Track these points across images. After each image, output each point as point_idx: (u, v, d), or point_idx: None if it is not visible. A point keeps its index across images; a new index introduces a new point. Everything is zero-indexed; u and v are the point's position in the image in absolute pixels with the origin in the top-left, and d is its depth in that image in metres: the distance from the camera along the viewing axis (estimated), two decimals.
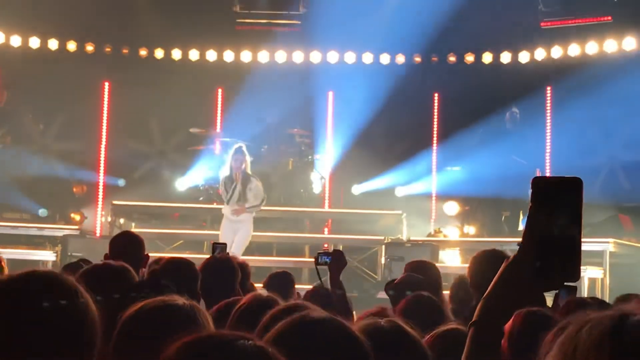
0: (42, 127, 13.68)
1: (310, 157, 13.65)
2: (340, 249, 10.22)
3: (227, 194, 11.29)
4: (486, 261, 4.52)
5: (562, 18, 13.82)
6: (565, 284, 1.54)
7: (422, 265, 5.39)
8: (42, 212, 12.95)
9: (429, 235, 12.96)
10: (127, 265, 3.26)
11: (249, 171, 11.36)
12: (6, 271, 5.39)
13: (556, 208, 1.52)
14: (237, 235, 11.08)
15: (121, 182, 13.75)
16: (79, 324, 1.81)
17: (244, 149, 11.47)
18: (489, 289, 1.61)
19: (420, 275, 4.90)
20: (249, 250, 11.38)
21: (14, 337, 1.74)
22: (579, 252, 1.53)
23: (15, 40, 14.07)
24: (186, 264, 4.16)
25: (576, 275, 1.53)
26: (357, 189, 14.15)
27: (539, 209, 1.53)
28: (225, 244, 6.15)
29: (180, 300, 2.25)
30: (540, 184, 1.55)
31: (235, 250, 10.77)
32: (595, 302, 3.21)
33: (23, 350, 1.74)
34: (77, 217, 13.09)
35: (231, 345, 1.42)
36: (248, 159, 11.40)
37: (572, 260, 1.52)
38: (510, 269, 1.57)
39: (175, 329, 1.53)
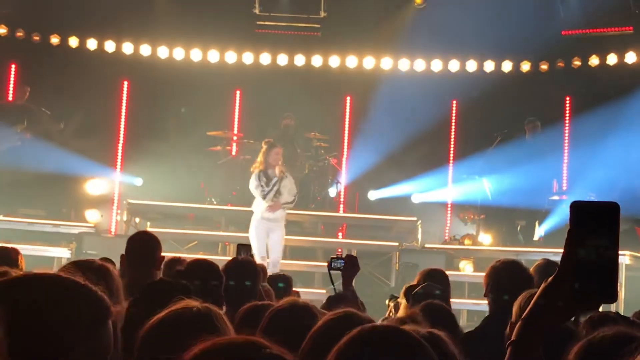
0: (62, 126, 13.73)
1: (326, 161, 13.66)
2: (354, 254, 10.19)
3: (263, 190, 10.91)
4: (503, 271, 4.50)
5: (583, 28, 13.78)
6: None
7: (436, 273, 5.38)
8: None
9: (444, 242, 12.93)
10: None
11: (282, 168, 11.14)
12: (23, 266, 5.41)
13: (594, 231, 1.58)
14: (273, 235, 10.81)
15: (138, 181, 13.79)
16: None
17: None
18: (527, 309, 1.66)
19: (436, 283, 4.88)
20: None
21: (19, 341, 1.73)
22: (616, 274, 1.59)
23: (36, 37, 14.17)
24: (210, 265, 4.14)
25: (614, 297, 1.58)
26: (373, 195, 14.13)
27: (578, 231, 1.59)
28: (249, 246, 6.07)
29: (196, 304, 2.25)
30: (579, 208, 1.60)
31: (275, 251, 10.67)
32: (619, 317, 3.21)
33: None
34: (93, 216, 13.13)
35: (253, 352, 1.41)
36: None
37: (609, 282, 1.57)
38: (548, 290, 1.64)
39: (191, 336, 1.52)
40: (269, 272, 7.27)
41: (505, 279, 4.38)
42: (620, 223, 1.64)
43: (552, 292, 1.63)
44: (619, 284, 10.36)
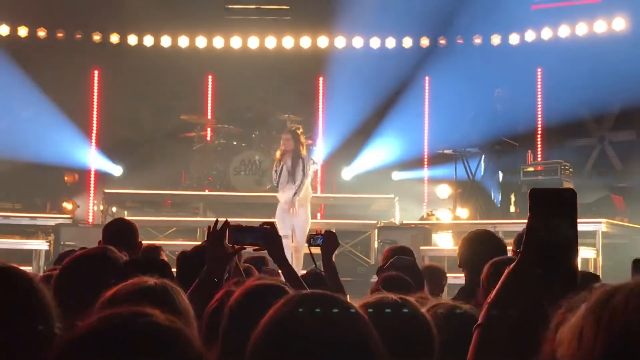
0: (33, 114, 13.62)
1: None
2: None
3: (273, 178, 10.71)
4: (477, 241, 4.56)
5: (553, 1, 13.83)
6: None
7: (403, 250, 5.44)
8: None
9: (422, 218, 12.99)
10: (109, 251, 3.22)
11: (304, 152, 10.57)
12: None
13: (553, 216, 1.61)
14: (294, 220, 10.35)
15: (118, 170, 13.69)
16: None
17: (294, 129, 10.74)
18: (492, 293, 1.70)
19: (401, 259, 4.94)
20: None
21: None
22: (575, 259, 1.64)
23: (4, 30, 14.02)
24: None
25: (574, 280, 1.62)
26: (347, 173, 14.18)
27: (538, 217, 1.62)
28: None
29: (151, 280, 2.24)
30: (538, 194, 1.64)
31: (296, 236, 10.35)
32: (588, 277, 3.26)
33: None
34: (70, 206, 13.06)
35: (133, 323, 1.39)
36: (303, 139, 10.66)
37: (570, 266, 1.61)
38: (512, 275, 1.67)
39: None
40: (290, 257, 6.99)
41: (478, 249, 4.45)
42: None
43: (516, 277, 1.66)
44: (596, 251, 10.49)
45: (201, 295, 2.96)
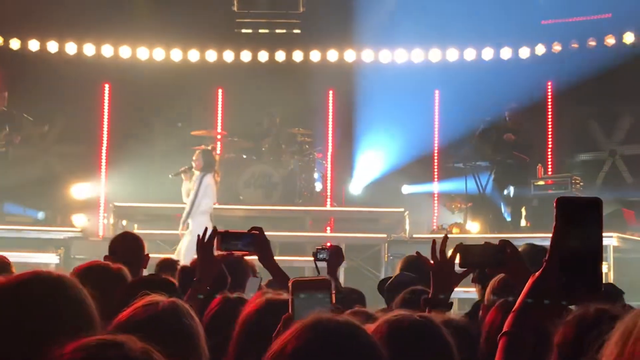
0: (47, 128, 13.67)
1: (311, 156, 13.65)
2: (343, 247, 10.18)
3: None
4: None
5: (563, 16, 13.82)
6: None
7: (414, 260, 5.38)
8: (41, 215, 12.94)
9: (432, 232, 12.96)
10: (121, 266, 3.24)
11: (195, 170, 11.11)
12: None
13: (579, 225, 1.65)
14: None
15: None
16: (86, 324, 1.81)
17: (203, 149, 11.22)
18: (517, 302, 1.73)
19: (414, 271, 4.87)
20: None
21: (21, 339, 1.73)
22: (600, 266, 1.66)
23: (15, 44, 14.11)
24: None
25: (599, 288, 1.65)
26: (356, 186, 14.18)
27: (563, 226, 1.65)
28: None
29: (162, 299, 2.23)
30: (564, 203, 1.66)
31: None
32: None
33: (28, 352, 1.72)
34: (80, 220, 13.08)
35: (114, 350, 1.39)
36: (199, 157, 11.11)
37: (594, 275, 1.65)
38: (537, 284, 1.68)
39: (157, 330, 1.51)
40: None
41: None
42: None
43: (540, 286, 1.67)
44: (607, 266, 10.43)
45: (194, 304, 2.96)
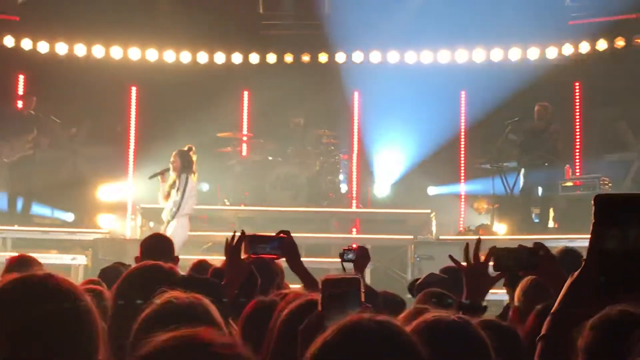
0: (75, 131, 13.77)
1: (337, 157, 13.64)
2: (369, 248, 10.16)
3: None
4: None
5: (590, 16, 13.71)
6: None
7: (452, 268, 5.35)
8: (69, 216, 13.06)
9: (459, 233, 12.90)
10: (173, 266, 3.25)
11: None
12: None
13: (619, 223, 1.57)
14: None
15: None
16: (78, 326, 1.81)
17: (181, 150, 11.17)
18: (555, 304, 1.69)
19: (450, 275, 4.85)
20: None
21: (17, 342, 1.74)
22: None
23: (43, 47, 14.22)
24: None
25: (638, 288, 1.56)
26: (383, 188, 14.14)
27: (602, 224, 1.55)
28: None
29: (182, 295, 2.23)
30: (603, 201, 1.58)
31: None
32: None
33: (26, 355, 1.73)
34: (107, 221, 13.17)
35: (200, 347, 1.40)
36: (177, 158, 11.03)
37: (636, 274, 1.54)
38: (575, 286, 1.62)
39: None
40: None
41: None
42: None
43: (579, 287, 1.62)
44: None
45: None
